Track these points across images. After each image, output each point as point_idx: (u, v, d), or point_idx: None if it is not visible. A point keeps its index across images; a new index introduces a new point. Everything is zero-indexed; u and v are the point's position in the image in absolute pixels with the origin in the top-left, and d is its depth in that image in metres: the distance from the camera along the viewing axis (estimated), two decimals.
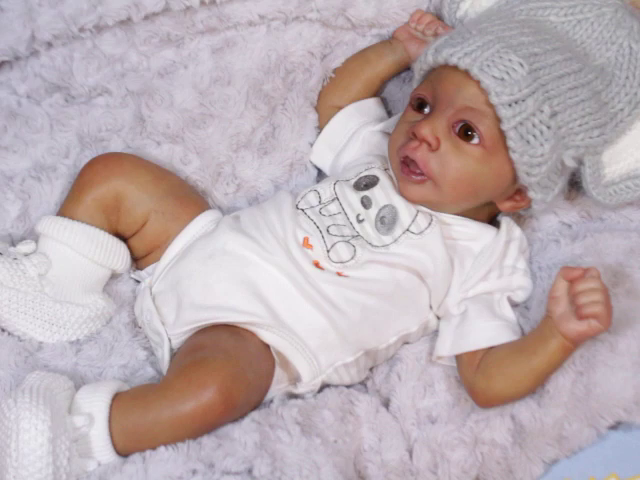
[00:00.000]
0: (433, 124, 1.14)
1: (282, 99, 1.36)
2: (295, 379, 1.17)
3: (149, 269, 1.24)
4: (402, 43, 1.35)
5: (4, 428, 1.01)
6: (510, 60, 1.12)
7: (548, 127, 1.13)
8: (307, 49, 1.36)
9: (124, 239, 1.24)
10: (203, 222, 1.24)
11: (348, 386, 1.20)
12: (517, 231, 1.24)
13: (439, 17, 1.36)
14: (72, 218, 1.21)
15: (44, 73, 1.29)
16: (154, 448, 1.07)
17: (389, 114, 1.39)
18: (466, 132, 1.14)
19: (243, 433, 1.08)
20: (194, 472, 1.04)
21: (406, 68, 1.37)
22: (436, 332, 1.23)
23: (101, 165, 1.23)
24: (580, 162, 1.20)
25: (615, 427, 1.13)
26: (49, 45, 1.27)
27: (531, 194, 1.19)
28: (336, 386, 1.19)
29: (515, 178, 1.17)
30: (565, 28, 1.22)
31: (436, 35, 1.32)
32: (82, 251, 1.19)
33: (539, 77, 1.13)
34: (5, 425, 1.01)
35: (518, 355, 1.14)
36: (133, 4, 1.24)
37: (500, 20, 1.20)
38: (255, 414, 1.12)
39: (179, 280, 1.18)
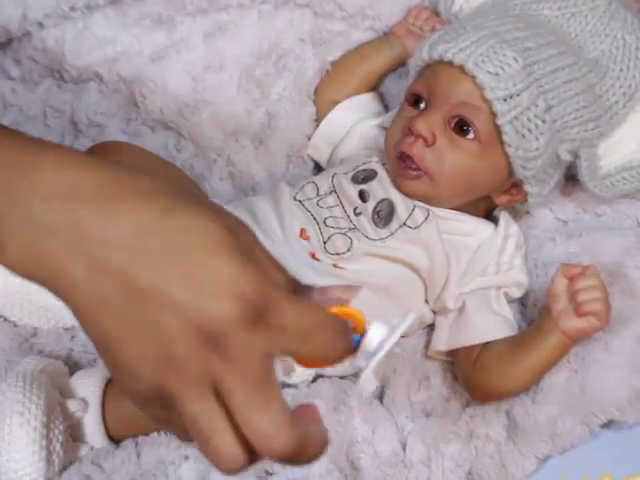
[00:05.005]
0: (429, 119, 1.15)
1: (273, 85, 1.37)
2: (288, 369, 1.17)
3: None
4: (400, 39, 1.36)
5: None
6: (505, 55, 1.13)
7: (543, 121, 1.14)
8: (297, 36, 1.36)
9: None
10: None
11: (341, 377, 1.20)
12: (514, 227, 1.24)
13: (436, 12, 1.37)
14: None
15: (36, 56, 1.29)
16: (147, 434, 1.07)
17: (386, 109, 1.39)
18: (461, 127, 1.15)
19: None
20: (186, 458, 1.05)
21: (403, 64, 1.38)
22: (431, 326, 1.23)
23: (99, 153, 1.23)
24: (576, 155, 1.20)
25: (607, 426, 1.13)
26: (40, 26, 1.27)
27: (527, 188, 1.19)
28: (329, 377, 1.19)
29: (511, 172, 1.17)
30: (559, 21, 1.22)
31: (434, 31, 1.32)
32: None
33: (533, 71, 1.14)
34: None
35: (516, 350, 1.14)
36: None
37: (494, 15, 1.21)
38: None
39: None
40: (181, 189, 0.70)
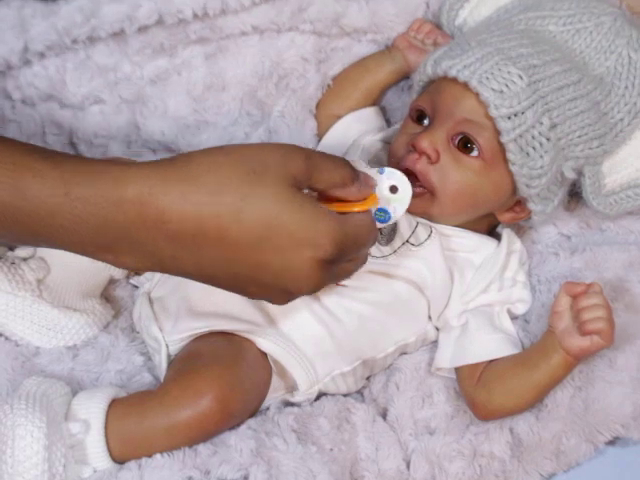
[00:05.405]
0: (432, 136, 1.14)
1: (275, 104, 1.36)
2: (292, 387, 1.17)
3: (148, 275, 1.24)
4: (401, 52, 1.36)
5: (0, 435, 1.01)
6: (509, 72, 1.12)
7: (547, 139, 1.13)
8: (300, 55, 1.35)
9: None
10: None
11: (345, 395, 1.20)
12: (517, 243, 1.24)
13: (438, 25, 1.36)
14: None
15: (37, 82, 1.28)
16: (150, 455, 1.06)
17: (388, 122, 1.39)
18: (465, 144, 1.14)
19: (239, 440, 1.08)
20: (190, 479, 1.04)
21: (405, 77, 1.38)
22: (435, 343, 1.22)
23: None
24: (580, 173, 1.20)
25: (612, 443, 1.13)
26: (42, 55, 1.26)
27: (531, 205, 1.18)
28: (333, 395, 1.18)
29: (515, 190, 1.17)
30: (564, 37, 1.22)
31: (435, 44, 1.33)
32: (81, 256, 1.19)
33: (538, 89, 1.13)
34: (1, 432, 1.01)
35: (520, 369, 1.14)
36: (127, 17, 1.23)
37: (499, 31, 1.20)
38: (251, 421, 1.12)
39: (178, 287, 1.17)
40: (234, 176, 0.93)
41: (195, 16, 1.26)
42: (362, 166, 1.07)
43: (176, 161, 0.94)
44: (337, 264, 0.97)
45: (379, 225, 1.05)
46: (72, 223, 0.91)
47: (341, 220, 0.96)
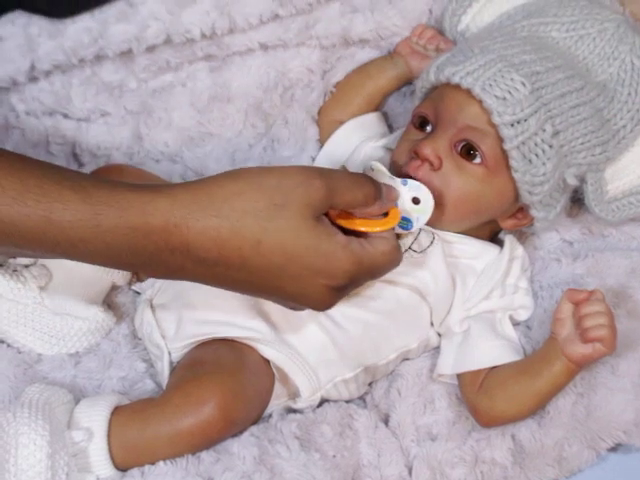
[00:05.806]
0: (435, 143, 1.14)
1: (279, 115, 1.36)
2: (294, 394, 1.17)
3: (150, 281, 1.23)
4: (403, 58, 1.36)
5: (3, 443, 1.01)
6: (512, 79, 1.12)
7: (550, 146, 1.13)
8: (306, 66, 1.35)
9: None
10: None
11: (347, 401, 1.19)
12: (520, 249, 1.24)
13: (440, 30, 1.36)
14: None
15: (42, 97, 1.28)
16: (153, 463, 1.06)
17: (390, 128, 1.39)
18: (468, 151, 1.14)
19: (242, 447, 1.08)
20: None
21: (407, 83, 1.38)
22: (437, 349, 1.22)
23: (103, 176, 1.22)
24: (582, 180, 1.20)
25: (615, 449, 1.13)
26: (48, 73, 1.26)
27: (533, 212, 1.18)
28: (335, 401, 1.18)
29: (517, 197, 1.17)
30: (567, 44, 1.22)
31: (438, 50, 1.33)
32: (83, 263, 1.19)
33: (541, 96, 1.13)
34: (4, 440, 1.01)
35: (522, 376, 1.14)
36: (134, 38, 1.23)
37: (502, 37, 1.20)
38: (254, 428, 1.12)
39: (180, 293, 1.17)
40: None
41: (203, 36, 1.26)
42: (386, 176, 1.09)
43: (199, 189, 0.99)
44: (351, 288, 1.04)
45: (400, 231, 1.09)
46: (102, 248, 0.98)
47: (358, 254, 1.01)
